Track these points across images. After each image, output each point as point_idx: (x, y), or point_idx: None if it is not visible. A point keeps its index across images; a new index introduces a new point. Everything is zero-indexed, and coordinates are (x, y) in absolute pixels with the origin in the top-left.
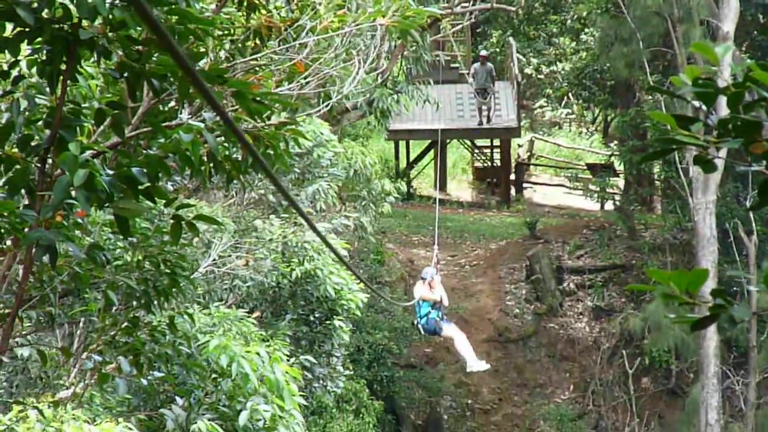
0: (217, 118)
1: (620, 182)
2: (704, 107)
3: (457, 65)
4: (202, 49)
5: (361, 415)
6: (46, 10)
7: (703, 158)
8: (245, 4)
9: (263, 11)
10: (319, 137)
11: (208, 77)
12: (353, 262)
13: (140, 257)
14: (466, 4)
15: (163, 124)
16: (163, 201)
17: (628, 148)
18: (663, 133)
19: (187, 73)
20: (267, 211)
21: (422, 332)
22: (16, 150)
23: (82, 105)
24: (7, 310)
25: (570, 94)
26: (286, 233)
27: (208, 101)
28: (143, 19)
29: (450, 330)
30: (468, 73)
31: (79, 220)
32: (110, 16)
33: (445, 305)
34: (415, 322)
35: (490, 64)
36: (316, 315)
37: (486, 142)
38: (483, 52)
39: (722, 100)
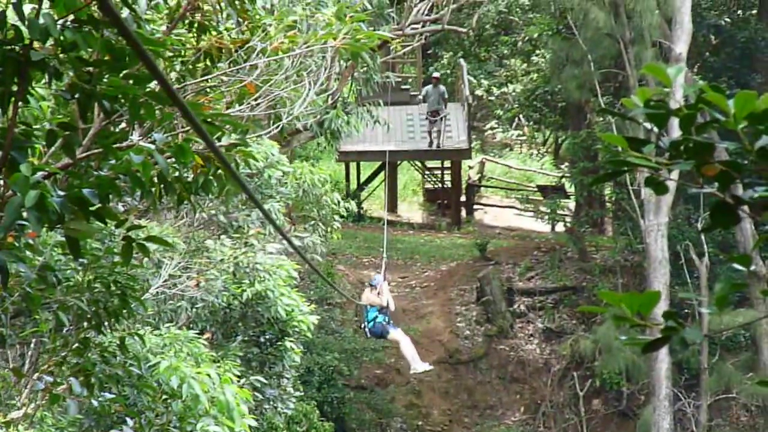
0: (168, 139)
1: (571, 204)
2: (656, 129)
3: (407, 86)
4: None
5: None
6: None
7: (654, 180)
8: (196, 25)
9: (214, 33)
10: (269, 158)
11: (159, 98)
12: (304, 283)
13: (91, 278)
14: (417, 26)
15: (114, 146)
16: (114, 222)
17: (579, 169)
18: (614, 155)
19: (170, 96)
20: (218, 231)
21: (368, 336)
22: None
23: (34, 126)
24: None
25: (521, 116)
26: (237, 254)
27: (191, 124)
28: (127, 41)
29: (396, 334)
30: (419, 95)
31: (30, 241)
32: (61, 38)
33: (392, 310)
34: (363, 326)
35: (442, 87)
36: (267, 336)
37: (437, 163)
38: (435, 74)
39: (674, 121)
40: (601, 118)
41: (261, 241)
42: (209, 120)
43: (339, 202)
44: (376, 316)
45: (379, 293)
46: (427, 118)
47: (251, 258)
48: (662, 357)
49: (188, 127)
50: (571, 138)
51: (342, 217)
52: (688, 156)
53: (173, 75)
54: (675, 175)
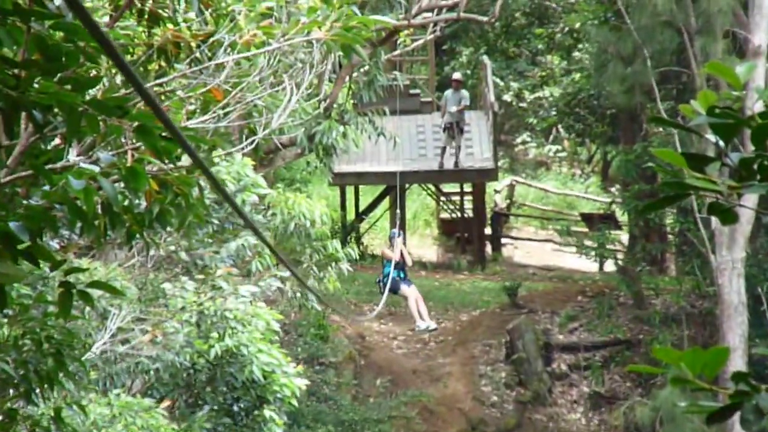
0: (114, 159)
1: (624, 237)
2: (722, 143)
3: (418, 91)
4: (95, 73)
5: None
6: None
7: (720, 206)
8: (147, 15)
9: (169, 24)
10: (242, 179)
11: (103, 108)
12: (288, 338)
13: (18, 333)
14: (428, 14)
15: (47, 167)
16: (48, 263)
17: (634, 193)
18: (671, 175)
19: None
20: (179, 272)
21: (381, 291)
22: None
23: None
24: None
25: (559, 127)
26: (202, 300)
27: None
28: (92, 35)
29: (407, 291)
30: (438, 101)
31: None
32: None
33: (408, 265)
34: (377, 281)
35: (464, 91)
36: (242, 404)
37: (455, 187)
38: (456, 75)
39: (746, 133)
40: (661, 129)
41: (231, 284)
42: (166, 135)
43: (337, 249)
44: (390, 272)
45: (391, 247)
46: (444, 130)
47: (220, 305)
48: (737, 428)
49: (139, 144)
50: (622, 154)
51: (344, 265)
52: (763, 177)
53: (118, 78)
54: (750, 200)
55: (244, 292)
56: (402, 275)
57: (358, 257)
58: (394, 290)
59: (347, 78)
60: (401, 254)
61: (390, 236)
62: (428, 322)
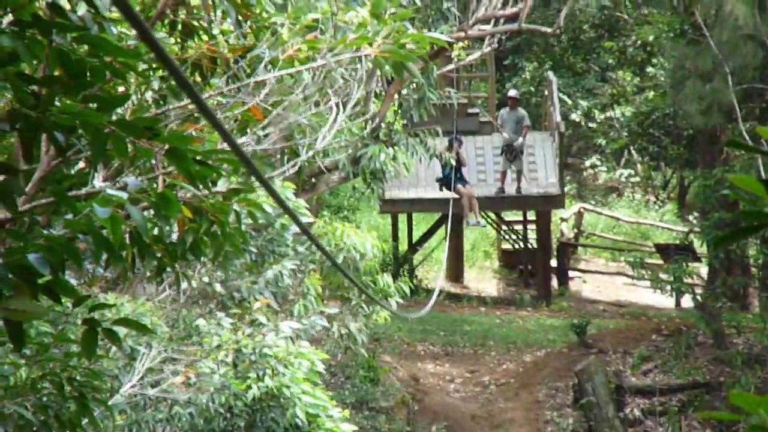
0: (144, 185)
1: (703, 270)
2: None
3: (476, 110)
4: (123, 89)
5: None
6: None
7: None
8: (180, 27)
9: (205, 37)
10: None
11: (132, 129)
12: (335, 380)
13: (38, 376)
14: (486, 27)
15: (70, 194)
16: (71, 299)
17: (713, 222)
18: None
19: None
20: (214, 307)
21: (441, 189)
22: None
23: None
24: None
25: (632, 149)
26: (239, 337)
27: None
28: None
29: (462, 190)
30: (495, 121)
31: None
32: None
33: (465, 166)
34: (437, 179)
35: (522, 110)
36: None
37: (517, 215)
38: (512, 92)
39: None
40: (742, 152)
41: (272, 318)
42: (201, 158)
43: (389, 284)
44: (449, 174)
45: (450, 150)
46: (502, 153)
47: (259, 342)
48: None
49: (170, 168)
50: (701, 179)
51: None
52: None
53: (149, 96)
54: None
55: (285, 328)
56: (459, 176)
57: (410, 292)
58: (449, 187)
59: (396, 95)
60: (458, 157)
61: (449, 140)
62: (478, 218)
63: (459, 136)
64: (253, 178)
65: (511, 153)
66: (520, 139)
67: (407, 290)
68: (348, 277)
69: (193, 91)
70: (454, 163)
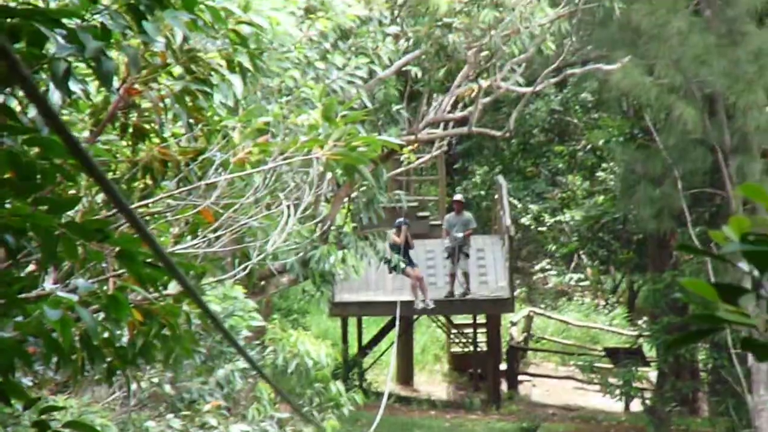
0: (94, 287)
1: (652, 374)
2: (757, 273)
3: (427, 213)
4: (73, 193)
5: None
6: None
7: (755, 342)
8: (131, 129)
9: (156, 140)
10: (232, 305)
11: (82, 231)
12: None
13: None
14: (436, 130)
15: (20, 296)
16: (21, 401)
17: (662, 326)
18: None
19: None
20: (163, 410)
21: (390, 271)
22: None
23: None
24: None
25: (582, 253)
26: None
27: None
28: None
29: (410, 272)
30: (441, 226)
31: None
32: None
33: (412, 248)
34: (385, 261)
35: (467, 213)
36: None
37: (467, 318)
38: (457, 196)
39: None
40: (692, 257)
41: (223, 422)
42: (151, 261)
43: (341, 392)
44: (398, 256)
45: (398, 234)
46: (448, 257)
47: None
48: None
49: (121, 270)
50: (650, 283)
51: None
52: None
53: (99, 198)
54: None
55: (235, 430)
56: (406, 261)
57: (362, 399)
58: (396, 270)
59: (346, 198)
60: (406, 240)
61: (396, 224)
62: (427, 302)
63: (407, 220)
64: (204, 281)
65: (456, 255)
66: (460, 235)
67: (359, 399)
68: (275, 388)
69: (117, 196)
70: (399, 241)
